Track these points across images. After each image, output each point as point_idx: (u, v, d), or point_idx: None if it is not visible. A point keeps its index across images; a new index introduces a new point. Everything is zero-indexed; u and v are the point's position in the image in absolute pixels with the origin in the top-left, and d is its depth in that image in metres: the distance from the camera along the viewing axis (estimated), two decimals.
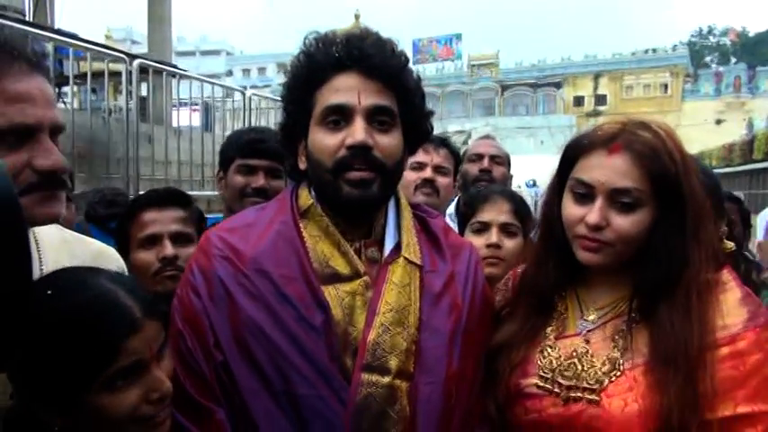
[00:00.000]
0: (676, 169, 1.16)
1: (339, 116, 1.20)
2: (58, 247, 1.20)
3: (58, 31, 6.97)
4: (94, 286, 1.03)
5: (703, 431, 1.10)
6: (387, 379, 1.14)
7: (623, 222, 1.18)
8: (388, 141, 1.22)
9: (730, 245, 1.52)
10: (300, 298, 1.17)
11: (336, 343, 1.15)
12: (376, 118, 1.21)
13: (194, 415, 1.13)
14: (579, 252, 1.23)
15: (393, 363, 1.15)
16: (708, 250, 1.20)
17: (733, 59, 54.99)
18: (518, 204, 1.93)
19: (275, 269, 1.19)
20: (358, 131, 1.18)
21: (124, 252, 1.74)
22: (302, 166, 1.29)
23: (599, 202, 1.19)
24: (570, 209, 1.24)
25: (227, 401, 1.14)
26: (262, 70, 61.61)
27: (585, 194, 1.21)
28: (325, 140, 1.21)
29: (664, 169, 1.15)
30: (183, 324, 1.18)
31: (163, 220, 1.72)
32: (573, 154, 1.26)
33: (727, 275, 1.25)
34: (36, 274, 1.10)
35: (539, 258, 1.35)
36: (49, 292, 0.99)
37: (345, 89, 1.20)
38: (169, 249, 1.68)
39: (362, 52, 1.21)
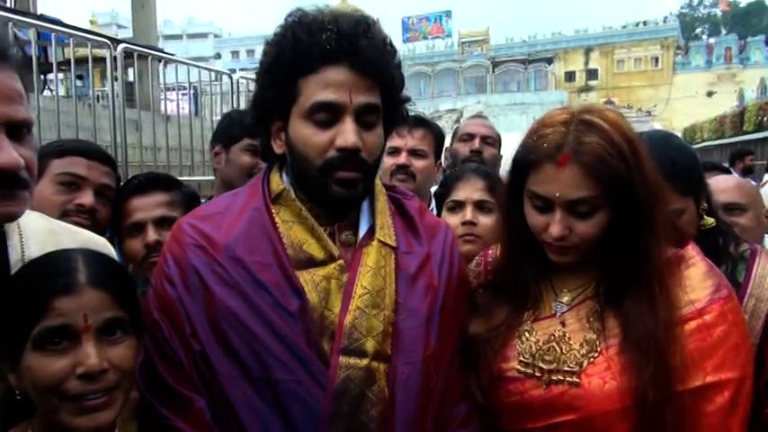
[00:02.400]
0: (626, 167, 1.17)
1: (328, 114, 1.18)
2: (43, 237, 1.18)
3: (41, 17, 6.87)
4: (62, 250, 1.05)
5: (676, 402, 1.14)
6: (364, 361, 1.15)
7: (584, 227, 1.21)
8: (373, 140, 1.22)
9: (710, 220, 1.54)
10: (275, 284, 1.17)
11: (313, 328, 1.16)
12: (363, 116, 1.20)
13: (174, 405, 1.13)
14: (550, 255, 1.28)
15: (370, 345, 1.16)
16: (665, 230, 1.22)
17: (724, 30, 54.73)
18: (492, 181, 1.93)
19: (249, 256, 1.19)
20: (350, 134, 1.16)
21: (120, 243, 1.76)
22: (278, 150, 1.27)
23: (558, 215, 1.21)
24: (533, 218, 1.26)
25: (206, 390, 1.14)
26: (251, 52, 60.92)
27: (543, 206, 1.24)
28: (313, 138, 1.19)
29: (613, 173, 1.17)
30: (158, 314, 1.18)
31: (145, 207, 1.72)
32: (523, 166, 1.26)
33: (690, 251, 1.29)
34: (18, 265, 1.10)
35: (512, 259, 1.37)
36: None
37: (336, 85, 1.17)
38: (151, 236, 1.68)
39: (354, 46, 1.17)
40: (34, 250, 1.13)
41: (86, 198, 1.66)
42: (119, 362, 1.01)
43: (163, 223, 1.70)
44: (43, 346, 0.97)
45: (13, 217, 1.06)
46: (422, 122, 2.39)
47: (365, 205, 1.30)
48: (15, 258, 1.12)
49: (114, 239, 1.78)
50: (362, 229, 1.28)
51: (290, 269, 1.19)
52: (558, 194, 1.19)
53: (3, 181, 1.00)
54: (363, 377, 1.14)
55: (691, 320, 1.19)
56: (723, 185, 2.12)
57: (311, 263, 1.21)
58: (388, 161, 2.27)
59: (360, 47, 1.17)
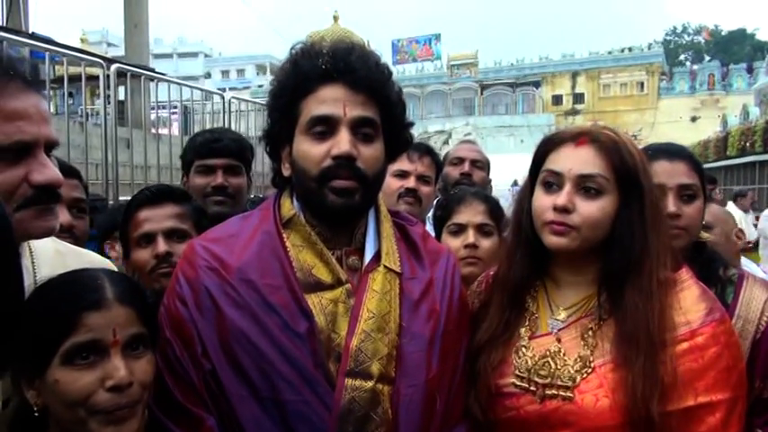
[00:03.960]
0: (635, 164, 1.26)
1: (325, 126, 1.24)
2: (52, 258, 1.22)
3: (33, 36, 6.89)
4: (83, 269, 1.08)
5: (667, 421, 1.16)
6: (369, 383, 1.18)
7: (589, 207, 1.26)
8: (371, 153, 1.26)
9: (706, 235, 1.60)
10: (285, 306, 1.20)
11: (320, 349, 1.19)
12: (360, 129, 1.25)
13: (185, 422, 1.16)
14: (547, 237, 1.30)
15: (375, 368, 1.19)
16: (665, 244, 1.27)
17: (707, 57, 55.87)
18: (492, 205, 1.99)
19: (260, 279, 1.22)
20: (343, 142, 1.22)
21: (126, 253, 1.78)
22: (286, 172, 1.32)
23: (567, 188, 1.27)
24: (540, 200, 1.32)
25: (216, 408, 1.17)
26: (240, 72, 61.24)
27: (554, 183, 1.30)
28: (311, 150, 1.24)
29: (625, 161, 1.25)
30: (170, 333, 1.20)
31: (156, 218, 1.74)
32: (544, 150, 1.35)
33: (684, 274, 1.33)
34: (31, 287, 1.12)
35: (509, 252, 1.42)
36: None
37: (331, 100, 1.24)
38: (161, 247, 1.69)
39: (348, 65, 1.24)
40: (45, 271, 1.16)
41: (63, 217, 1.67)
42: (142, 376, 1.05)
43: (172, 235, 1.71)
44: (72, 360, 0.99)
45: (53, 231, 1.10)
46: (430, 152, 2.51)
47: (371, 230, 1.34)
48: (28, 280, 1.13)
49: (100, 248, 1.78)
50: (368, 254, 1.31)
51: (300, 292, 1.22)
52: (570, 167, 1.27)
53: (44, 197, 1.05)
54: (368, 399, 1.17)
55: (683, 341, 1.22)
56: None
57: (319, 287, 1.24)
58: (395, 183, 2.35)
59: (353, 66, 1.25)
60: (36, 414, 1.02)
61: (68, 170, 1.79)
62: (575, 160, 1.28)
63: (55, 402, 1.00)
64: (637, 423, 1.16)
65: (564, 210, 1.26)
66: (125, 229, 1.78)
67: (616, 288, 1.26)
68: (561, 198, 1.27)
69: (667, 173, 1.55)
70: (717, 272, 1.56)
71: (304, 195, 1.29)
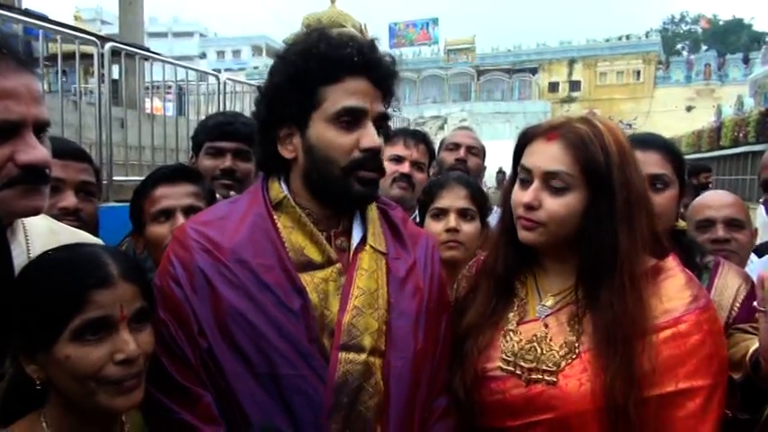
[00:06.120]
0: (607, 160, 1.25)
1: (352, 118, 1.28)
2: (45, 236, 1.22)
3: (27, 12, 6.82)
4: (83, 245, 1.11)
5: (647, 406, 1.19)
6: (362, 356, 1.23)
7: (553, 204, 1.28)
8: (382, 146, 1.33)
9: (683, 224, 1.63)
10: (279, 285, 1.24)
11: (314, 325, 1.23)
12: (378, 123, 1.31)
13: (183, 400, 1.19)
14: (519, 232, 1.34)
15: (367, 341, 1.24)
16: (642, 238, 1.28)
17: (704, 47, 55.79)
18: (474, 190, 2.02)
19: (253, 259, 1.25)
20: (375, 136, 1.29)
21: (138, 228, 1.79)
22: (289, 155, 1.33)
23: (534, 184, 1.30)
24: (515, 194, 1.35)
25: (213, 385, 1.20)
26: (236, 53, 60.70)
27: (526, 179, 1.32)
28: (338, 139, 1.28)
29: (592, 157, 1.25)
30: (164, 313, 1.23)
31: (175, 195, 1.75)
32: (522, 143, 1.37)
33: (671, 262, 1.34)
34: (24, 263, 1.13)
35: (496, 241, 1.46)
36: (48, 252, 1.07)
37: (361, 93, 1.29)
38: (181, 221, 1.70)
39: (375, 61, 1.31)
40: (38, 249, 1.16)
41: (68, 200, 1.69)
42: (145, 347, 1.09)
43: (189, 212, 1.73)
44: (82, 336, 1.02)
45: (38, 211, 1.11)
46: (425, 140, 2.56)
47: (357, 214, 1.39)
48: (21, 255, 1.15)
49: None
50: (356, 236, 1.36)
51: (293, 271, 1.26)
52: (538, 165, 1.29)
53: (30, 177, 1.05)
54: (361, 371, 1.22)
55: (666, 329, 1.24)
56: (727, 200, 2.20)
57: (311, 266, 1.29)
58: (390, 167, 2.37)
59: (379, 62, 1.32)
60: (38, 387, 1.05)
61: (78, 153, 1.79)
62: (542, 156, 1.30)
63: (63, 376, 1.03)
64: (616, 410, 1.19)
65: (530, 206, 1.30)
66: (139, 204, 1.80)
67: (590, 283, 1.29)
68: (527, 195, 1.30)
69: (639, 163, 1.57)
70: (693, 259, 1.60)
71: (320, 181, 1.31)
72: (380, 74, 1.31)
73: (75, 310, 1.01)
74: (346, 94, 1.27)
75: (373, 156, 1.29)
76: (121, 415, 1.14)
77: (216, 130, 2.26)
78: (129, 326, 1.06)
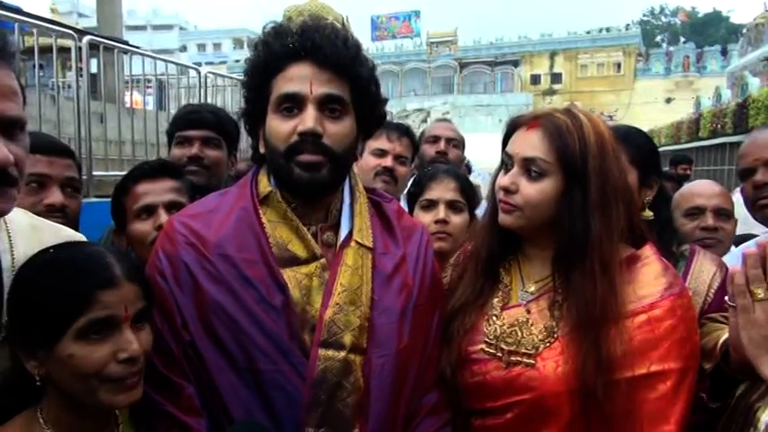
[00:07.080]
0: (584, 149, 1.29)
1: (292, 104, 1.27)
2: (28, 234, 1.20)
3: (1, 5, 6.69)
4: (84, 245, 1.12)
5: (620, 388, 1.23)
6: (342, 354, 1.23)
7: (529, 189, 1.33)
8: (338, 129, 1.29)
9: (649, 213, 1.66)
10: (261, 280, 1.24)
11: (295, 321, 1.24)
12: (327, 106, 1.28)
13: (166, 391, 1.20)
14: (499, 215, 1.39)
15: (347, 339, 1.24)
16: (617, 227, 1.31)
17: (682, 39, 56.42)
18: (463, 183, 2.06)
19: (237, 253, 1.26)
20: (308, 119, 1.25)
21: (120, 226, 1.79)
22: (261, 149, 1.35)
23: (514, 169, 1.35)
24: (499, 179, 1.39)
25: (196, 377, 1.22)
26: (217, 46, 60.15)
27: (508, 165, 1.37)
28: (279, 127, 1.28)
29: (569, 146, 1.30)
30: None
31: (157, 191, 1.76)
32: (508, 131, 1.42)
33: (648, 251, 1.38)
34: (8, 263, 1.12)
35: (484, 226, 1.49)
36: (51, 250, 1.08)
37: (298, 78, 1.27)
38: (164, 218, 1.71)
39: (314, 43, 1.27)
40: (21, 246, 1.16)
41: (54, 197, 1.68)
42: (146, 345, 1.11)
43: (172, 208, 1.73)
44: (86, 335, 1.03)
45: (2, 214, 1.07)
46: (409, 133, 2.57)
47: (346, 207, 1.38)
48: (5, 252, 1.14)
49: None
50: (343, 231, 1.35)
51: (275, 266, 1.26)
52: (517, 151, 1.35)
53: None
54: (340, 368, 1.22)
55: (641, 314, 1.28)
56: (716, 190, 2.25)
57: (295, 261, 1.29)
58: (373, 161, 2.40)
59: (319, 44, 1.27)
60: (38, 383, 1.06)
61: (62, 149, 1.78)
62: (522, 144, 1.35)
63: (65, 374, 1.04)
64: (587, 391, 1.22)
65: (507, 190, 1.35)
66: (120, 202, 1.79)
67: (563, 269, 1.33)
68: (505, 179, 1.36)
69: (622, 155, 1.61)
70: (670, 248, 1.64)
71: (275, 171, 1.33)
72: (324, 55, 1.26)
73: (82, 309, 1.02)
74: (285, 81, 1.28)
75: (310, 139, 1.25)
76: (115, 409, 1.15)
77: (183, 119, 2.31)
78: (131, 325, 1.08)
